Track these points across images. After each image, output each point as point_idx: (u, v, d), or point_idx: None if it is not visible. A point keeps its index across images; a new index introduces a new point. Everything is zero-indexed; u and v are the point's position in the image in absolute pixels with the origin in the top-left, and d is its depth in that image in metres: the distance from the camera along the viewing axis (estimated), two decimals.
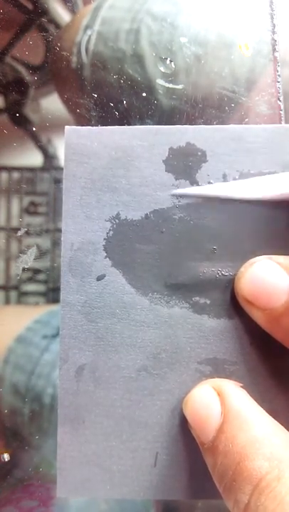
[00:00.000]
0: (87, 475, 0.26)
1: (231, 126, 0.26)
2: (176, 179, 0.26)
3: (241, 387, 0.25)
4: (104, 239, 0.26)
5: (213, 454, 0.22)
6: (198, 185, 0.26)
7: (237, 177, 0.26)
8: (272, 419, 0.23)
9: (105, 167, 0.26)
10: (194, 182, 0.26)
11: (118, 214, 0.26)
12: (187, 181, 0.26)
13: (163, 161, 0.26)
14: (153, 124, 0.27)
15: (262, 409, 0.23)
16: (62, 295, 0.26)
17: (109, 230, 0.26)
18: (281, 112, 0.31)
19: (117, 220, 0.26)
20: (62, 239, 0.26)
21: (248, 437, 0.21)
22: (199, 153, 0.26)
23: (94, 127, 0.26)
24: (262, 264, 0.24)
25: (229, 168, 0.26)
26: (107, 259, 0.26)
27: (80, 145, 0.26)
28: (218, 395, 0.23)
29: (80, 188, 0.26)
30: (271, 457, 0.20)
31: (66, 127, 0.26)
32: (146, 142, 0.26)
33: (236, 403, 0.23)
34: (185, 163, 0.26)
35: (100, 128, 0.26)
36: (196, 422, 0.24)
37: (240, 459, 0.21)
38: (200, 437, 0.23)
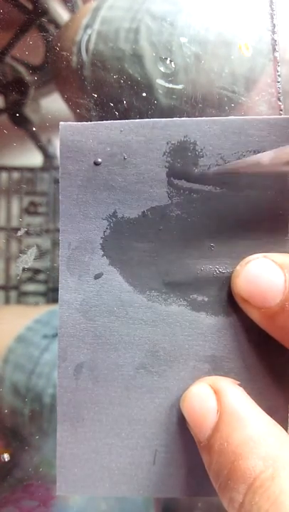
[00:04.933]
0: (87, 473, 0.26)
1: (231, 117, 0.25)
2: (174, 175, 0.26)
3: (239, 384, 0.25)
4: (102, 237, 0.26)
5: (208, 452, 0.22)
6: (196, 181, 0.26)
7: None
8: (269, 417, 0.23)
9: (101, 164, 0.26)
10: (192, 178, 0.26)
11: (115, 212, 0.26)
12: (185, 177, 0.26)
13: (160, 156, 0.26)
14: None
15: (258, 407, 0.23)
16: (60, 294, 0.26)
17: (106, 228, 0.26)
18: (281, 112, 0.31)
19: (113, 218, 0.26)
20: (59, 238, 0.26)
21: (242, 436, 0.21)
22: (197, 148, 0.26)
23: (89, 122, 0.26)
24: (257, 262, 0.24)
25: (228, 162, 0.26)
26: (105, 257, 0.26)
27: (75, 142, 0.26)
28: (215, 392, 0.24)
29: (76, 187, 0.26)
30: (266, 456, 0.20)
31: (61, 123, 0.26)
32: (142, 137, 0.26)
33: (232, 401, 0.23)
34: (183, 158, 0.26)
35: (94, 123, 0.26)
36: (192, 419, 0.24)
37: (235, 458, 0.21)
38: (197, 435, 0.23)
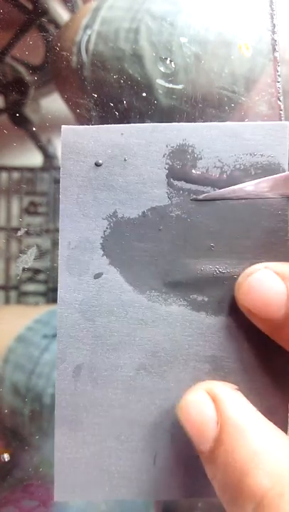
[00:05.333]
0: (86, 477, 0.26)
1: (228, 123, 0.26)
2: (173, 176, 0.26)
3: (238, 385, 0.24)
4: (102, 237, 0.26)
5: (213, 464, 0.22)
6: (195, 182, 0.26)
7: (234, 174, 0.26)
8: (271, 424, 0.22)
9: (102, 165, 0.26)
10: (191, 179, 0.26)
11: (115, 212, 0.26)
12: (184, 179, 0.26)
13: (160, 158, 0.26)
14: None
15: (259, 413, 0.23)
16: (60, 293, 0.26)
17: (106, 228, 0.26)
18: (281, 111, 0.31)
19: (114, 218, 0.26)
20: (59, 237, 0.26)
21: (247, 452, 0.21)
22: (196, 150, 0.26)
23: (90, 126, 0.26)
24: (259, 275, 0.24)
25: (226, 165, 0.26)
26: (105, 257, 0.26)
27: (76, 144, 0.26)
28: (213, 400, 0.23)
29: (77, 187, 0.26)
30: (272, 472, 0.20)
31: (63, 127, 0.26)
32: (142, 140, 0.26)
33: (233, 411, 0.22)
34: (182, 160, 0.26)
35: (96, 126, 0.26)
36: (191, 429, 0.23)
37: (242, 475, 0.20)
38: (198, 445, 0.23)
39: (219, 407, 0.23)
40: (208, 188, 0.26)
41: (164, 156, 0.26)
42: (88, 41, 0.35)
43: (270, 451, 0.20)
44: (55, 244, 0.40)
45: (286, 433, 0.22)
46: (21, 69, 0.38)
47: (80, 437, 0.26)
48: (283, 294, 0.23)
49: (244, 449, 0.21)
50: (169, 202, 0.26)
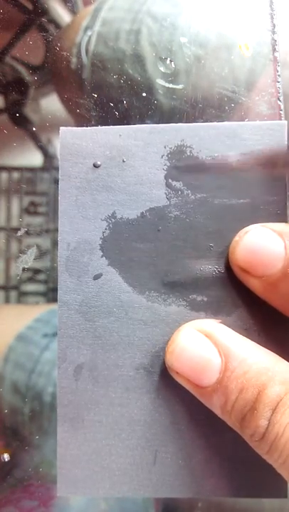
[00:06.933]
0: (87, 474, 0.26)
1: (226, 123, 0.26)
2: (172, 177, 0.26)
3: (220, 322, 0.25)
4: (101, 238, 0.26)
5: (224, 393, 0.23)
6: (193, 182, 0.26)
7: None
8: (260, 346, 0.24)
9: (100, 167, 0.26)
10: (190, 179, 0.26)
11: (114, 213, 0.26)
12: (182, 179, 0.26)
13: (158, 159, 0.26)
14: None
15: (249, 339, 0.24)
16: (60, 295, 0.26)
17: (106, 229, 0.26)
18: (281, 112, 0.31)
19: (113, 219, 0.26)
20: (58, 239, 0.26)
21: (259, 369, 0.22)
22: (194, 151, 0.26)
23: (88, 128, 0.26)
24: (256, 231, 0.24)
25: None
26: (104, 258, 0.26)
27: (75, 145, 0.26)
28: (207, 336, 0.24)
29: (76, 188, 0.26)
30: (284, 381, 0.22)
31: (61, 128, 0.26)
32: (140, 141, 0.26)
33: (231, 340, 0.23)
34: (180, 160, 0.26)
35: (94, 128, 0.26)
36: (192, 369, 0.24)
37: (260, 389, 0.22)
38: (200, 382, 0.24)
39: (217, 339, 0.24)
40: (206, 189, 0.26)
41: (162, 157, 0.26)
42: (88, 42, 0.35)
43: (275, 365, 0.22)
44: (55, 244, 0.40)
45: None
46: (21, 69, 0.38)
47: (82, 435, 0.26)
48: (281, 249, 0.23)
49: (256, 368, 0.22)
50: (168, 202, 0.26)
